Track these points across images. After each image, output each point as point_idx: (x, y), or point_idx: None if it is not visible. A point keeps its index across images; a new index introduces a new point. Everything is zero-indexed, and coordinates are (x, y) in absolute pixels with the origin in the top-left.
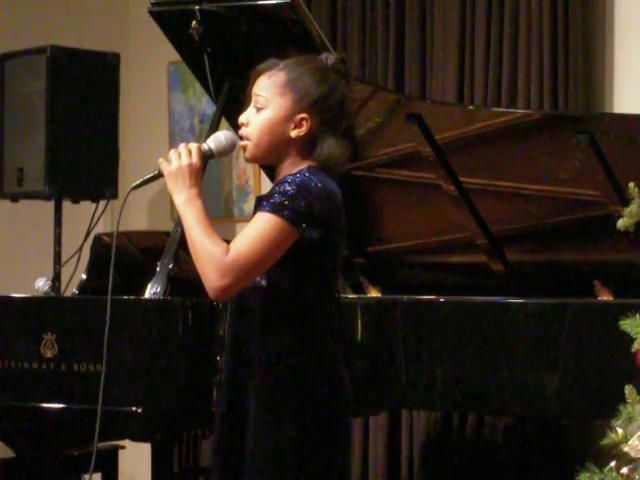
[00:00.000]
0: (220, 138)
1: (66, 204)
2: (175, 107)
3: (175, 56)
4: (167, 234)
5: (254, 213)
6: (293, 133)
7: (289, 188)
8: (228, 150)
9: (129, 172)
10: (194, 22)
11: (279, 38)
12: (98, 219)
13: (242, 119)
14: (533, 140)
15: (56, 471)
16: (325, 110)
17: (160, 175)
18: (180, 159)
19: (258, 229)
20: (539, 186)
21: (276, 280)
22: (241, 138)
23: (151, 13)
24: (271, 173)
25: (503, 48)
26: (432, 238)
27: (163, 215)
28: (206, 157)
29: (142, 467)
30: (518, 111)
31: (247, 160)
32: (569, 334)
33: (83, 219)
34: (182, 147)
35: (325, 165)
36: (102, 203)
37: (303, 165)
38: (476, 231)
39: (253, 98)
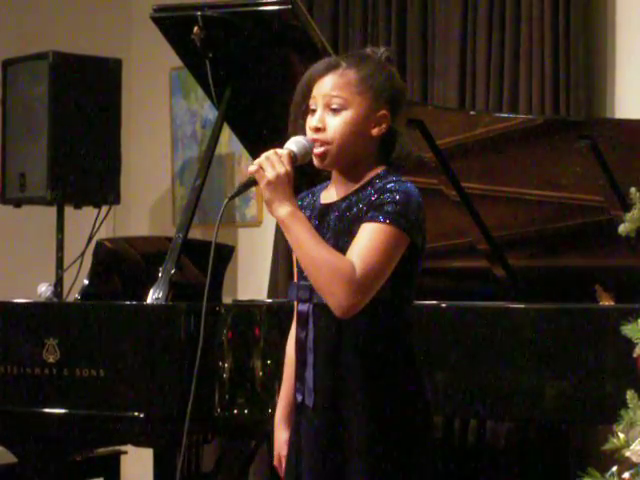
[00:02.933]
0: (302, 142)
1: (68, 210)
2: (177, 113)
3: (177, 62)
4: (169, 239)
5: (321, 221)
6: (374, 131)
7: (398, 197)
8: (309, 154)
9: (131, 178)
10: (196, 28)
11: (281, 43)
12: (100, 225)
13: (317, 124)
14: (534, 145)
15: (58, 477)
16: (399, 105)
17: (254, 183)
18: (275, 167)
19: (379, 241)
20: (541, 191)
21: (380, 290)
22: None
23: (153, 19)
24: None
25: (504, 53)
26: (433, 243)
27: (165, 221)
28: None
29: (144, 472)
30: (520, 116)
31: (322, 166)
32: (571, 339)
33: (85, 225)
34: (272, 154)
35: (402, 165)
36: (104, 209)
37: (379, 165)
38: (478, 236)
39: (323, 101)
